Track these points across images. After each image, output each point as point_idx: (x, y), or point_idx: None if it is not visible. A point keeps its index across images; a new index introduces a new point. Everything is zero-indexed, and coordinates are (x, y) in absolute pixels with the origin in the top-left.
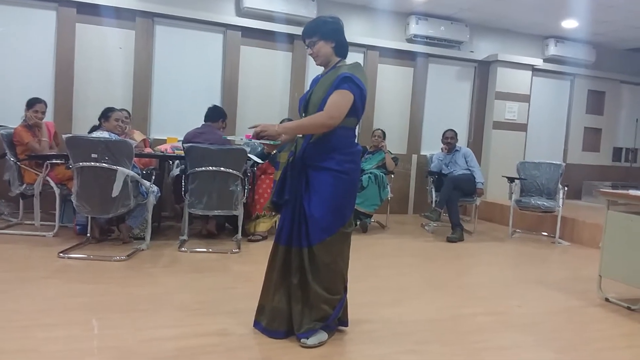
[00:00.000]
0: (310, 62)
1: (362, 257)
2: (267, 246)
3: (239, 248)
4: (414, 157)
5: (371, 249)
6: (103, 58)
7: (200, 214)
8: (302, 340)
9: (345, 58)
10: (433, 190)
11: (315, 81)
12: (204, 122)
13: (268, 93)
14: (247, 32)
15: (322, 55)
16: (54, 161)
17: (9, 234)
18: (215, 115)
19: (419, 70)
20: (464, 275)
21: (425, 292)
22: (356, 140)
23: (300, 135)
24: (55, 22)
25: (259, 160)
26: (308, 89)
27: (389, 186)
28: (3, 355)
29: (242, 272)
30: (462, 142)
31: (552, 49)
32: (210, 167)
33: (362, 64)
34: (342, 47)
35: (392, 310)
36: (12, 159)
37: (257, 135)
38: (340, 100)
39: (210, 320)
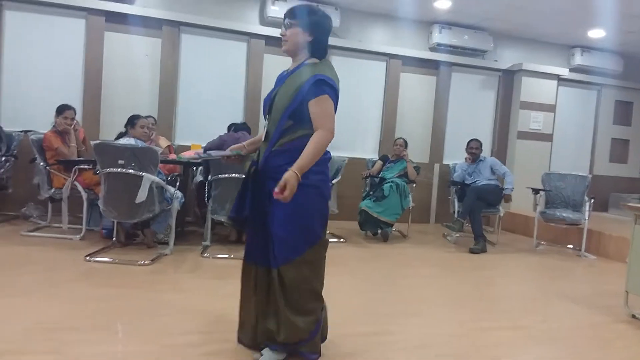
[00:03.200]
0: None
1: (382, 266)
2: None
3: None
4: (436, 166)
5: (392, 258)
6: (130, 66)
7: (223, 220)
8: (261, 351)
9: (319, 60)
10: (456, 200)
11: (281, 79)
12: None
13: None
14: (271, 40)
15: (292, 42)
16: (82, 166)
17: (37, 237)
18: (243, 126)
19: (442, 79)
20: (486, 287)
21: (446, 304)
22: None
23: (263, 140)
24: (85, 31)
25: None
26: (273, 87)
27: (410, 195)
28: (29, 357)
29: None
30: (486, 152)
31: (578, 59)
32: (234, 174)
33: (333, 66)
34: (318, 46)
35: (412, 322)
36: (41, 163)
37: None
38: (328, 109)
39: (233, 327)
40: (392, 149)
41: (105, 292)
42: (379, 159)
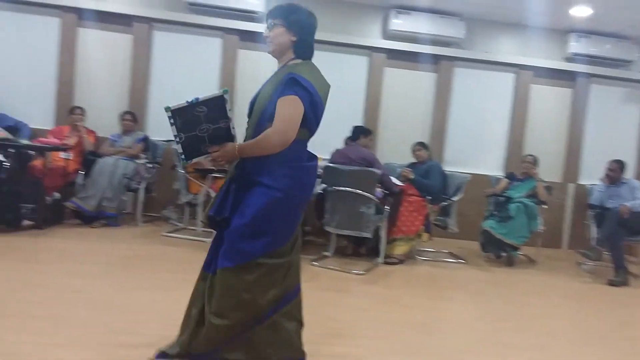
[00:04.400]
0: (456, 82)
1: (505, 292)
2: (401, 270)
3: (366, 271)
4: (571, 186)
5: (517, 285)
6: (258, 82)
7: (331, 231)
8: None
9: (305, 60)
10: (594, 225)
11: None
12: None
13: (410, 114)
14: (392, 53)
15: (277, 43)
16: (217, 175)
17: (175, 237)
18: (355, 134)
19: (578, 92)
20: (627, 326)
21: (580, 340)
22: (307, 153)
23: None
24: (221, 48)
25: (398, 182)
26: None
27: (540, 217)
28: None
29: (368, 293)
30: (631, 173)
31: None
32: (339, 187)
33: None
34: (303, 46)
35: (538, 356)
36: (181, 171)
37: (215, 162)
38: (289, 111)
39: (348, 342)
40: (521, 167)
41: None
42: (505, 176)
